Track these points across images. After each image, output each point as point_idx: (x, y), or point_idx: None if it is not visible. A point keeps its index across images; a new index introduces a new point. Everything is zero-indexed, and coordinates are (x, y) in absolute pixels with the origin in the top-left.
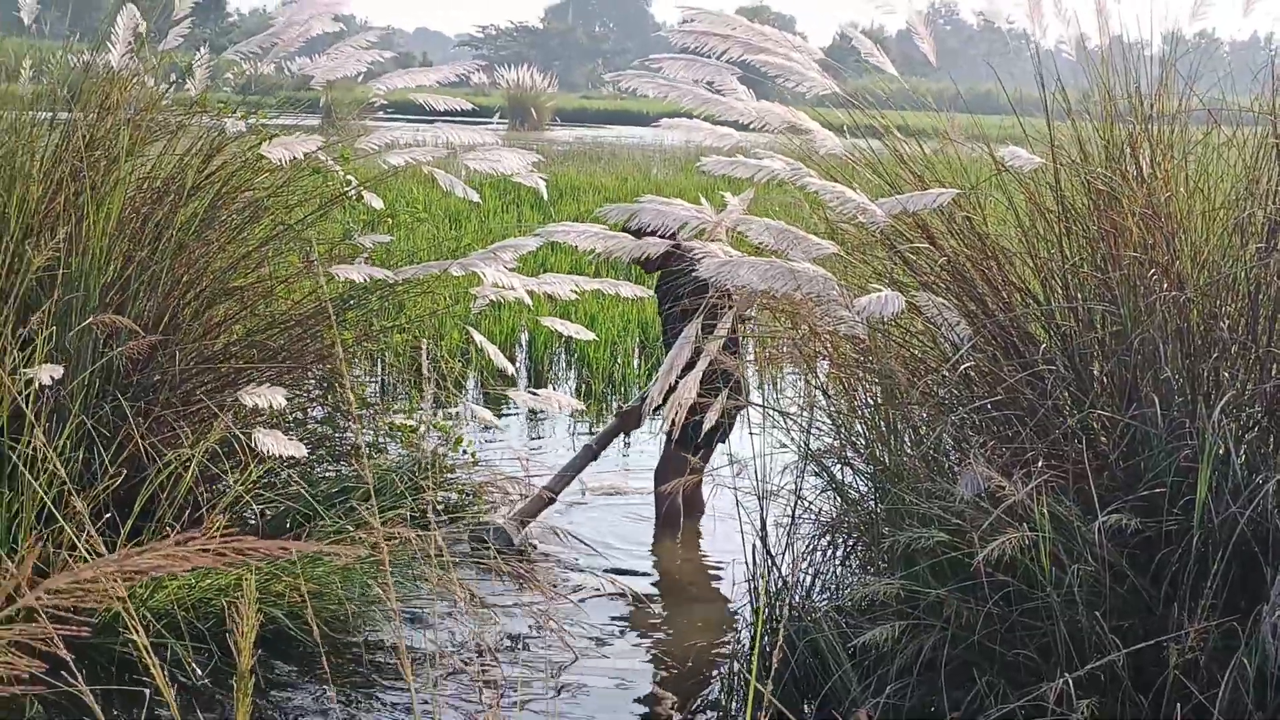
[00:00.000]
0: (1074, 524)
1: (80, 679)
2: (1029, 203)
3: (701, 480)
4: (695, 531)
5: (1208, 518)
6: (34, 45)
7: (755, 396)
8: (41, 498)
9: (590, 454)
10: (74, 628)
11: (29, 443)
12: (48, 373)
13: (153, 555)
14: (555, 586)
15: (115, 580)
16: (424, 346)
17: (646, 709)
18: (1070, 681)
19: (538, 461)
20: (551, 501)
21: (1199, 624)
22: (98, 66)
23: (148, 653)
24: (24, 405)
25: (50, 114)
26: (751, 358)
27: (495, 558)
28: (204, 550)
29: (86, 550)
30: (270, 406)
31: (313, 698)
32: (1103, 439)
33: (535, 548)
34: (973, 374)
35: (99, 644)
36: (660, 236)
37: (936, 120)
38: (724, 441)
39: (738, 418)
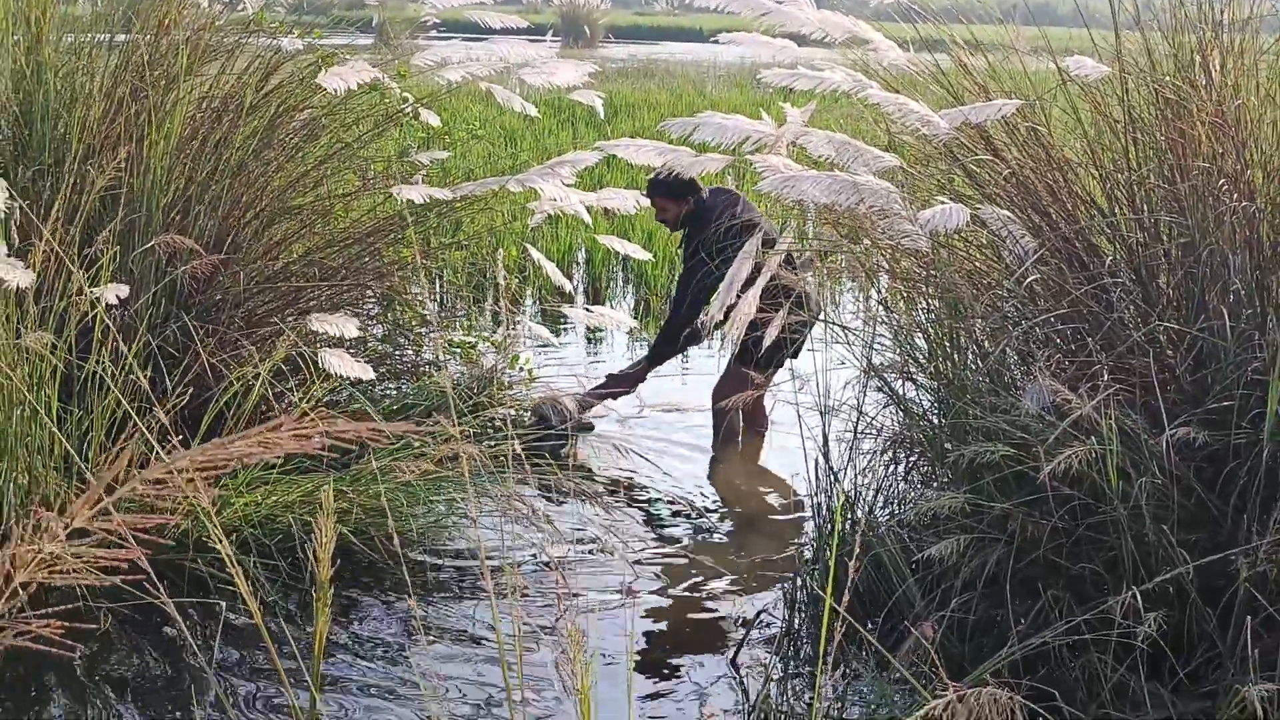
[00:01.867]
0: (1141, 437)
1: (162, 591)
2: (1094, 113)
3: (764, 396)
4: (758, 446)
5: (1277, 431)
6: None
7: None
8: (110, 414)
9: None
10: (167, 516)
11: (98, 361)
12: (113, 292)
13: (245, 442)
14: (616, 501)
15: (198, 489)
16: (500, 257)
17: (709, 623)
18: (1137, 595)
19: (595, 378)
20: (618, 389)
21: (1269, 537)
22: None
23: (232, 563)
24: (93, 324)
25: (109, 35)
26: (810, 274)
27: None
28: (295, 434)
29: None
30: (343, 335)
31: (379, 613)
32: (1169, 352)
33: (593, 428)
34: (1037, 287)
35: (170, 560)
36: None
37: (1001, 32)
38: (794, 358)
39: (807, 336)
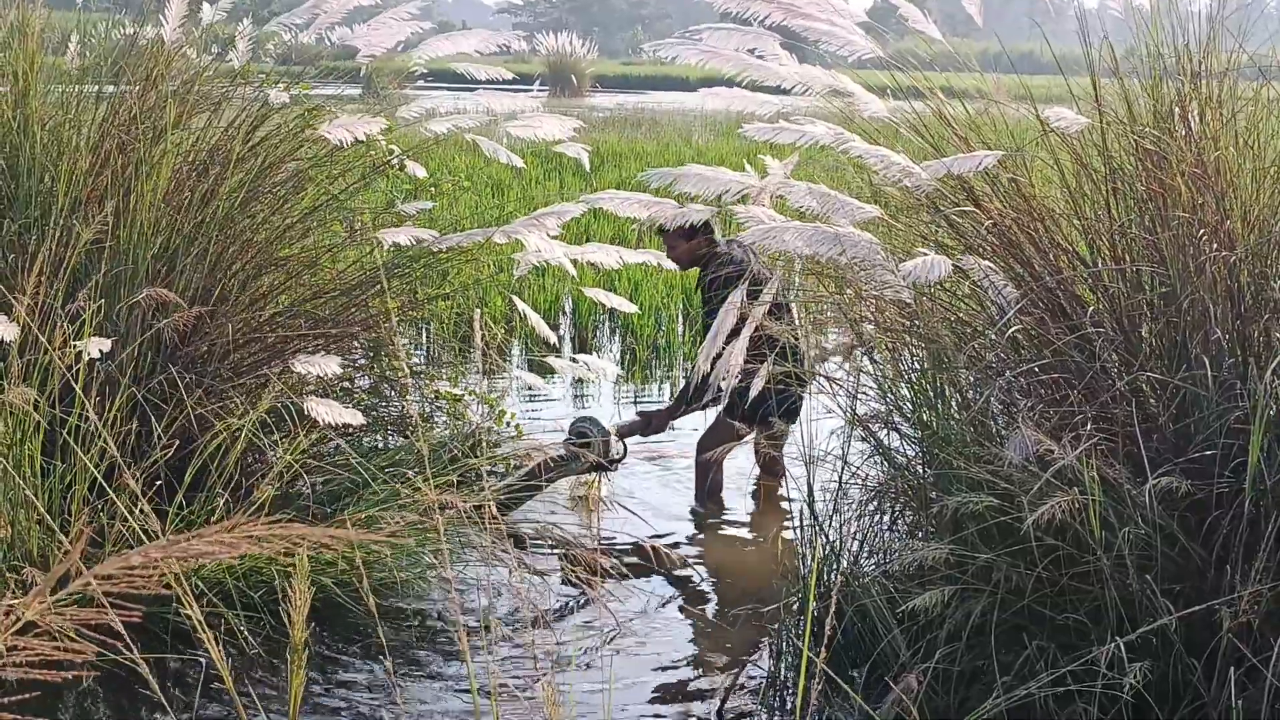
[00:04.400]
0: (1124, 487)
1: (136, 651)
2: (1075, 163)
3: (780, 449)
4: (747, 495)
5: (1259, 480)
6: (80, 19)
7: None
8: (94, 469)
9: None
10: (129, 613)
11: (81, 415)
12: (96, 346)
13: (200, 541)
14: (602, 553)
15: (169, 558)
16: (477, 318)
17: (695, 675)
18: (1121, 645)
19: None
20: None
21: (1251, 587)
22: (143, 40)
23: (202, 627)
24: (73, 380)
25: (96, 87)
26: (798, 323)
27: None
28: (250, 536)
29: (140, 523)
30: (325, 375)
31: (364, 666)
32: (1152, 401)
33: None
34: (1020, 337)
35: (154, 613)
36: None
37: (980, 81)
38: (794, 416)
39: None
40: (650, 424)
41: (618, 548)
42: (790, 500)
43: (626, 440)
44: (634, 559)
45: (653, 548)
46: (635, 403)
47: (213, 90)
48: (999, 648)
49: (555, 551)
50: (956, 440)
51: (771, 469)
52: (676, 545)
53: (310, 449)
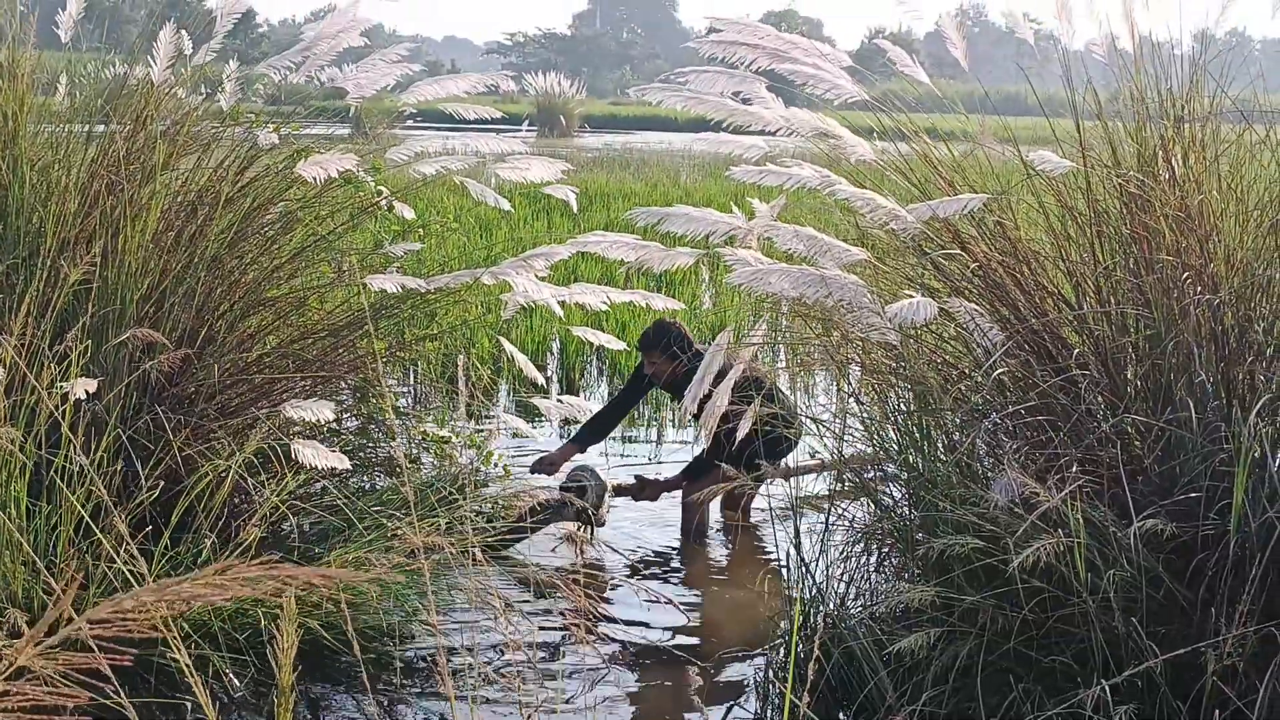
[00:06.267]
0: (1109, 529)
1: (123, 694)
2: (1060, 206)
3: (753, 492)
4: (733, 538)
5: (1244, 522)
6: (69, 59)
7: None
8: (80, 510)
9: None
10: (121, 657)
11: (67, 456)
12: (83, 386)
13: (192, 584)
14: (588, 593)
15: (162, 601)
16: (460, 362)
17: (681, 716)
18: (1107, 688)
19: (568, 471)
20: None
21: (1236, 630)
22: (133, 80)
23: (190, 672)
24: (59, 421)
25: (86, 127)
26: (783, 364)
27: (530, 565)
28: (242, 579)
29: (126, 564)
30: (318, 420)
31: (350, 709)
32: (1137, 443)
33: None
34: (1006, 379)
35: (141, 656)
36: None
37: (966, 124)
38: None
39: (797, 440)
40: (644, 490)
41: (604, 588)
42: (774, 541)
43: (617, 500)
44: (620, 600)
45: (642, 587)
46: (624, 440)
47: (202, 131)
48: (985, 690)
49: (542, 593)
50: (942, 482)
51: (736, 503)
52: (664, 583)
53: (297, 490)
